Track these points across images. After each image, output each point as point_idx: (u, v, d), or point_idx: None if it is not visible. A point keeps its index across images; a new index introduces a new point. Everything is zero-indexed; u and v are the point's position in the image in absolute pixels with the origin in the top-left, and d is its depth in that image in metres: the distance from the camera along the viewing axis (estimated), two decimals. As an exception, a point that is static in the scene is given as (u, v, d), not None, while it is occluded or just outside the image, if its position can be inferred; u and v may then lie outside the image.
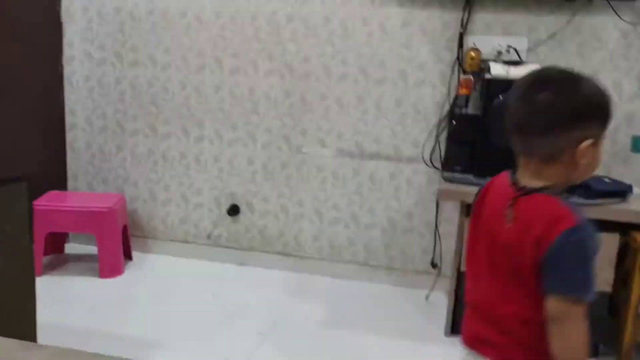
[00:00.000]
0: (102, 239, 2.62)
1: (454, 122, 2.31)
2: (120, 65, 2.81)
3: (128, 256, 2.83)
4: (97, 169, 2.95)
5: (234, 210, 2.80)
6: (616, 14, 2.23)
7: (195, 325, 2.24)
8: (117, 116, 2.87)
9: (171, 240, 2.93)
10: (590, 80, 1.03)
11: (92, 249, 2.70)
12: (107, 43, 2.80)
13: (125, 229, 2.77)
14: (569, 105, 0.99)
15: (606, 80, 2.29)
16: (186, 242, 2.92)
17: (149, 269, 2.78)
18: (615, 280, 2.00)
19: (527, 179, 1.04)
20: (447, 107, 2.46)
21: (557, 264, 0.97)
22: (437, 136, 2.51)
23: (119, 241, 2.68)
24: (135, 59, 2.79)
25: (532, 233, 0.98)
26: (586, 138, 0.98)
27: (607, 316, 2.07)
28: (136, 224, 2.95)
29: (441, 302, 2.40)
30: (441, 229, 2.59)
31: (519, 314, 1.03)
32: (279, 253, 2.81)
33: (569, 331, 0.98)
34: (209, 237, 2.89)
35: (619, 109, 2.31)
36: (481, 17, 2.38)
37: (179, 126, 2.80)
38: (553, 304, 0.97)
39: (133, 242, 2.87)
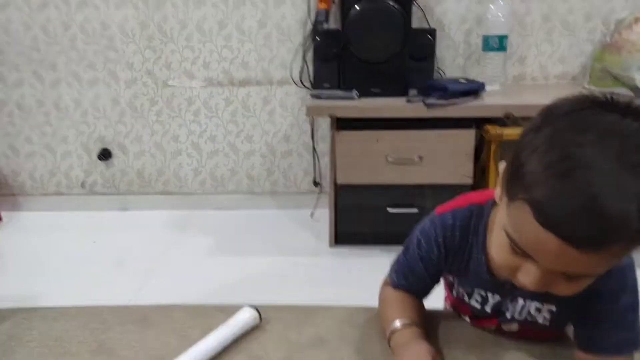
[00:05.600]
0: (-39, 202, 2.42)
1: (317, 39, 2.31)
2: (-50, 9, 2.51)
3: (-4, 217, 2.65)
4: (-56, 129, 2.69)
5: (105, 155, 2.68)
6: None
7: (77, 274, 2.16)
8: (-43, 67, 2.59)
9: (43, 194, 2.77)
10: None
11: (-47, 215, 2.50)
12: None
13: (-13, 189, 2.57)
14: None
15: (456, -16, 2.38)
16: (59, 194, 2.77)
17: (21, 227, 2.62)
18: (475, 172, 2.14)
19: None
20: (309, 25, 2.44)
21: None
22: (304, 55, 2.50)
23: (-19, 202, 2.49)
24: (-34, 0, 2.50)
25: None
26: None
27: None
28: (1, 182, 2.75)
29: (325, 217, 2.46)
30: (318, 147, 2.63)
31: None
32: (160, 193, 2.75)
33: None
34: (82, 185, 2.75)
35: (470, 12, 2.42)
36: None
37: (29, 71, 2.59)
38: None
39: (0, 202, 2.69)
